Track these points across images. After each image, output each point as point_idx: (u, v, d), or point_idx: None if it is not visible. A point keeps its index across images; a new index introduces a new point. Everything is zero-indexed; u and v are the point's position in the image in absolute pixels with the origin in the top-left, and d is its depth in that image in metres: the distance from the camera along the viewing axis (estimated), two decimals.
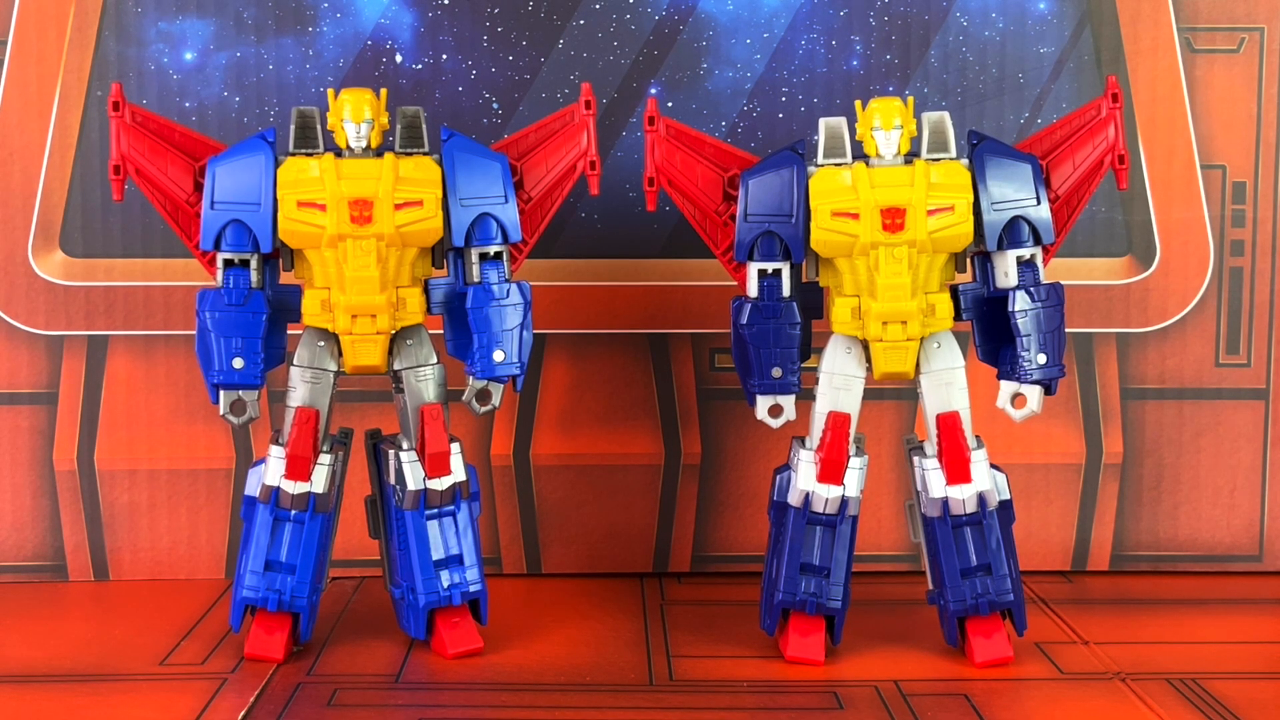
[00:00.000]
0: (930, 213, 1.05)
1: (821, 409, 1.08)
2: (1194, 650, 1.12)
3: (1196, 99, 1.28)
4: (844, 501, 1.08)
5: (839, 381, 1.08)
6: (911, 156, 1.07)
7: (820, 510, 1.08)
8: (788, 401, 1.08)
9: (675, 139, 1.09)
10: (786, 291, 1.07)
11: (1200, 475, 1.31)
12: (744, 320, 1.07)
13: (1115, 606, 1.24)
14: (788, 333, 1.07)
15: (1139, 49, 1.28)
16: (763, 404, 1.08)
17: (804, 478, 1.08)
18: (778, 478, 1.11)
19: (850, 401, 1.08)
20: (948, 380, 1.08)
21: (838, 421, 1.08)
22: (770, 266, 1.07)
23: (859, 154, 1.07)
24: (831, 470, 1.08)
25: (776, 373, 1.07)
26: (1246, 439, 1.31)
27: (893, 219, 1.05)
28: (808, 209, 1.06)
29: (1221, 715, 1.00)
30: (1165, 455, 1.31)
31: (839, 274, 1.07)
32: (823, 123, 1.08)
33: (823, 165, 1.07)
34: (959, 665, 1.09)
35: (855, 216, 1.05)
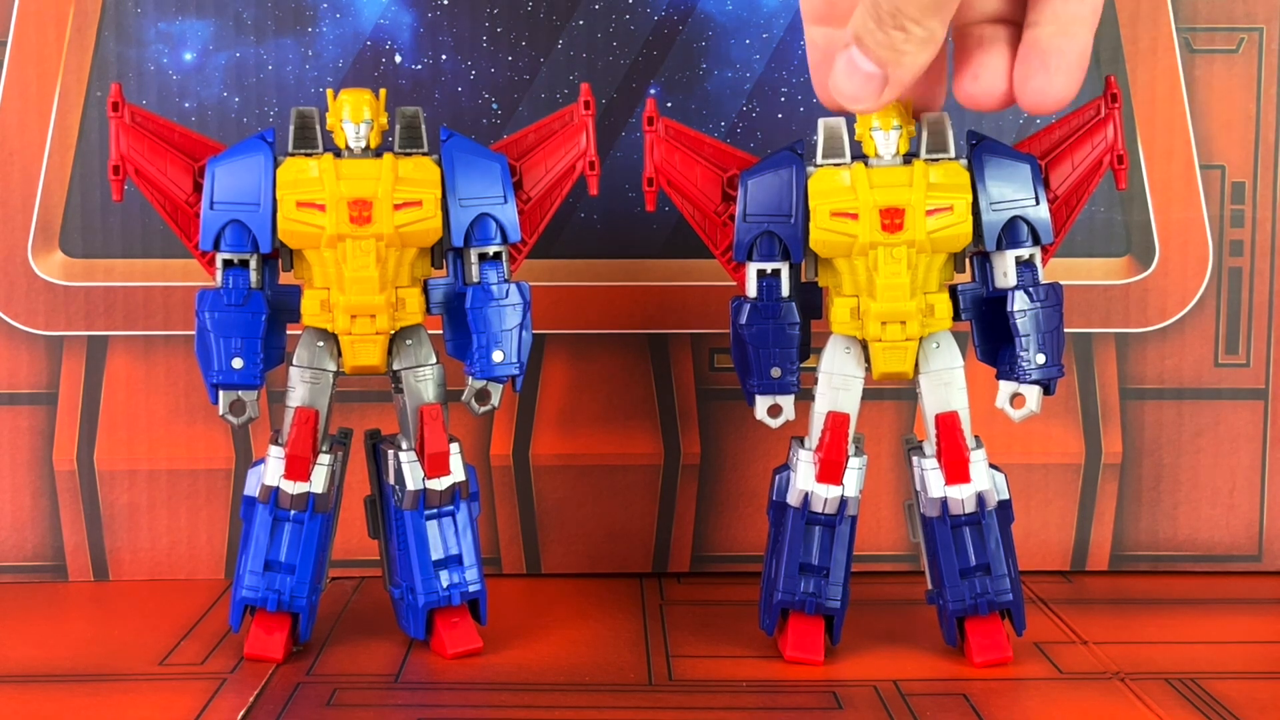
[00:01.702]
0: (929, 213, 1.05)
1: (820, 409, 1.09)
2: (1193, 650, 1.12)
3: (1195, 99, 1.28)
4: (843, 501, 1.08)
5: (838, 381, 1.08)
6: (910, 157, 1.07)
7: (819, 510, 1.08)
8: (787, 401, 1.08)
9: (674, 139, 1.09)
10: (785, 291, 1.08)
11: (1200, 475, 1.31)
12: (743, 320, 1.07)
13: (1114, 606, 1.24)
14: (787, 333, 1.07)
15: (1138, 49, 1.28)
16: (762, 404, 1.08)
17: (803, 478, 1.08)
18: (777, 478, 1.11)
19: (849, 401, 1.08)
20: (946, 380, 1.08)
21: (837, 421, 1.08)
22: (769, 266, 1.07)
23: (858, 154, 1.07)
24: (830, 470, 1.08)
25: (775, 373, 1.07)
26: (1246, 439, 1.31)
27: (891, 219, 1.05)
28: (807, 209, 1.06)
29: (1221, 715, 1.00)
30: (1164, 455, 1.31)
31: (838, 274, 1.08)
32: (822, 123, 1.08)
33: (822, 165, 1.07)
34: (958, 665, 1.09)
35: (854, 217, 1.05)
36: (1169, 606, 1.23)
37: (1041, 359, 1.06)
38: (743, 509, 1.31)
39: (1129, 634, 1.16)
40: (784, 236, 1.07)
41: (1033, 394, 1.07)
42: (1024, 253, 1.07)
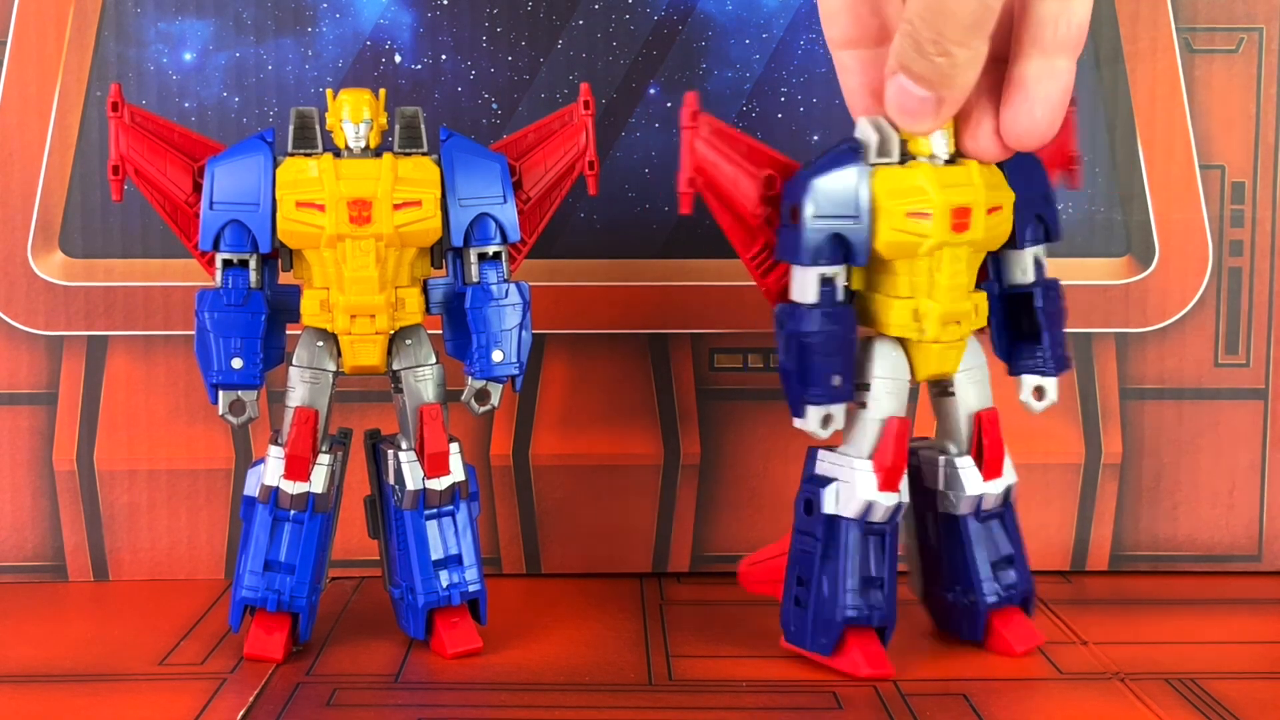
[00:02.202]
0: (988, 211, 1.03)
1: (876, 415, 1.05)
2: (1193, 650, 1.12)
3: (1195, 99, 1.28)
4: (897, 508, 1.06)
5: (892, 386, 1.05)
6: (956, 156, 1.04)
7: (877, 519, 1.05)
8: (840, 410, 1.04)
9: (714, 136, 1.04)
10: (841, 296, 1.04)
11: (1199, 475, 1.31)
12: (809, 327, 1.02)
13: (1115, 606, 1.23)
14: (848, 339, 1.03)
15: (1138, 49, 1.28)
16: (815, 414, 1.03)
17: (864, 487, 1.04)
18: (820, 491, 1.05)
19: (903, 405, 1.06)
20: (979, 378, 1.08)
21: (900, 427, 1.05)
22: (830, 271, 1.03)
23: (904, 153, 1.03)
24: (894, 477, 1.04)
25: (837, 381, 1.03)
26: (1245, 439, 1.31)
27: (961, 219, 1.02)
28: (873, 209, 1.02)
29: (1221, 715, 1.00)
30: (1164, 455, 1.31)
31: (894, 276, 1.04)
32: (868, 121, 1.03)
33: (879, 164, 1.02)
34: (958, 665, 1.09)
35: (928, 216, 1.01)
36: (1169, 606, 1.23)
37: (1060, 351, 1.07)
38: (743, 509, 1.31)
39: (1129, 634, 1.16)
40: (851, 238, 1.02)
41: (1052, 386, 1.08)
42: (1040, 250, 1.07)
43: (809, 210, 1.01)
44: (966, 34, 0.94)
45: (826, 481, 1.06)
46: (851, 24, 1.02)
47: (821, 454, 1.07)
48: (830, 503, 1.05)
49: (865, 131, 1.03)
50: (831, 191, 1.01)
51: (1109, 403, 1.30)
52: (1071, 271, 1.28)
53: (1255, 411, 1.30)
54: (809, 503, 1.06)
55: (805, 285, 1.03)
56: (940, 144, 1.03)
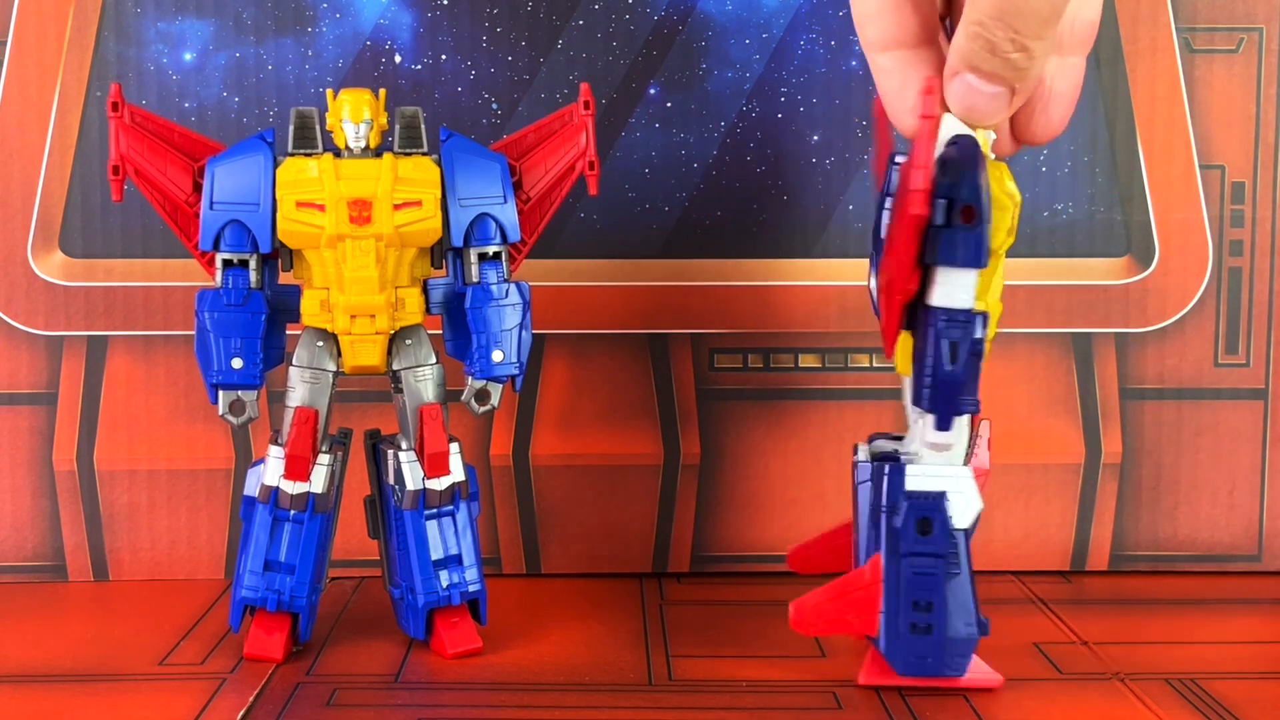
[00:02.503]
0: None
1: (964, 420, 1.02)
2: (1193, 650, 1.12)
3: (1195, 99, 1.28)
4: None
5: None
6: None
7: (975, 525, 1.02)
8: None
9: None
10: None
11: (1199, 475, 1.31)
12: (980, 333, 0.97)
13: (1114, 607, 1.23)
14: None
15: (1138, 49, 1.28)
16: (959, 424, 1.00)
17: (977, 496, 1.01)
18: (942, 505, 1.00)
19: None
20: None
21: (989, 431, 1.04)
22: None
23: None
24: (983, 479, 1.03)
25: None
26: (1245, 439, 1.31)
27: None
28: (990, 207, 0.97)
29: (1220, 715, 1.00)
30: (1164, 455, 1.31)
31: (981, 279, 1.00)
32: (952, 117, 0.98)
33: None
34: None
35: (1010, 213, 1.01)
36: (1169, 606, 1.23)
37: None
38: (743, 509, 1.31)
39: (1129, 634, 1.16)
40: (986, 240, 0.97)
41: None
42: None
43: (985, 211, 0.95)
44: (1043, 26, 0.93)
45: (938, 496, 1.01)
46: (894, 25, 1.00)
47: (911, 469, 1.01)
48: (954, 517, 1.00)
49: (962, 126, 0.98)
50: (988, 191, 0.96)
51: (1109, 403, 1.30)
52: (1071, 271, 1.28)
53: (1255, 411, 1.30)
54: (925, 521, 1.00)
55: (969, 290, 0.96)
56: (989, 142, 1.01)
